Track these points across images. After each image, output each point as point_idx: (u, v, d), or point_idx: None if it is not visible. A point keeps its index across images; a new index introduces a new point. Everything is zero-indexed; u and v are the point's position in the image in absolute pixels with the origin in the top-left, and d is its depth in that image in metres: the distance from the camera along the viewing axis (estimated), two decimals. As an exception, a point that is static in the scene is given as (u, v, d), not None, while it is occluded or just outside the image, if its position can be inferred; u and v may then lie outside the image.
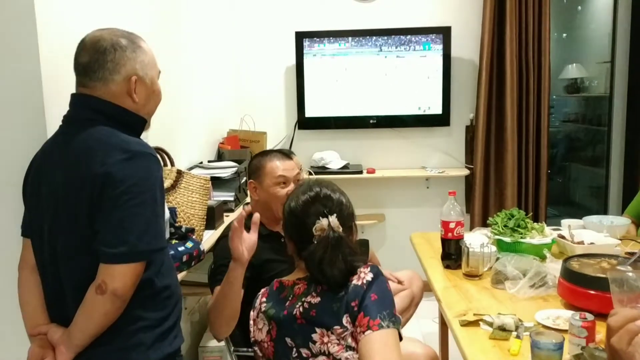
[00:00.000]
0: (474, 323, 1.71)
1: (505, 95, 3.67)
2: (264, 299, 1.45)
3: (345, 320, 1.30)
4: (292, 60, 3.83)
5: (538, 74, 3.70)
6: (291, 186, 2.04)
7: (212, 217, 2.23)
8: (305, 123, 3.90)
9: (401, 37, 3.77)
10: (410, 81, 3.82)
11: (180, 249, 1.72)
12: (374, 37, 3.78)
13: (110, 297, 1.15)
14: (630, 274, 1.45)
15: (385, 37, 3.78)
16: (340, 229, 1.36)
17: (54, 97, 1.53)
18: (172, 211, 1.73)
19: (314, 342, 1.33)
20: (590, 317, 1.47)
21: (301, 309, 1.34)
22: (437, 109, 3.83)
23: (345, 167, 3.87)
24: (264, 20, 3.89)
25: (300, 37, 3.79)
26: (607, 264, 1.87)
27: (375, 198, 4.05)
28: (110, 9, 2.00)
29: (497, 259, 2.14)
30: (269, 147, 3.67)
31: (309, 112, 3.88)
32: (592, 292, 1.68)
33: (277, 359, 1.40)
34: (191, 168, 2.78)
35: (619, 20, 3.87)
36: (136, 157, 1.20)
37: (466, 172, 3.85)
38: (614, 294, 1.47)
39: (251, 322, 1.46)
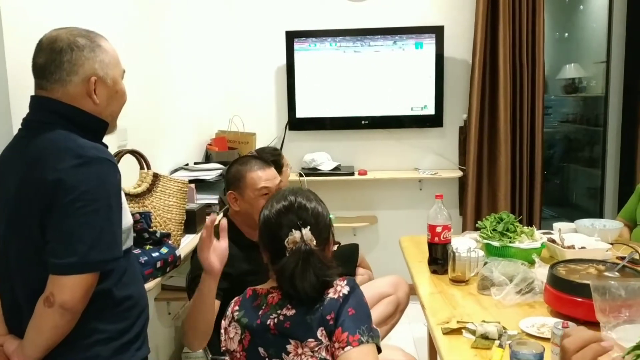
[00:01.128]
0: (457, 331, 1.66)
1: (499, 95, 3.62)
2: (237, 307, 1.40)
3: (319, 333, 1.27)
4: (283, 60, 3.78)
5: (532, 74, 3.64)
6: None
7: (193, 220, 2.18)
8: (296, 124, 3.85)
9: (393, 36, 3.72)
10: (402, 81, 3.76)
11: (155, 254, 1.67)
12: (366, 37, 3.73)
13: (58, 310, 1.10)
14: (612, 282, 1.40)
15: (377, 37, 3.73)
16: (314, 242, 1.32)
17: (21, 99, 1.48)
18: (147, 216, 1.68)
19: (288, 353, 1.29)
20: (572, 326, 1.42)
21: (276, 320, 1.31)
22: (430, 110, 3.78)
23: (336, 168, 3.82)
24: (254, 20, 3.84)
25: (291, 36, 3.73)
26: (595, 270, 1.81)
27: (367, 200, 3.99)
28: (81, 4, 1.95)
29: (485, 263, 2.09)
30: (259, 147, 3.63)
31: (300, 113, 3.82)
32: (578, 299, 1.62)
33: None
34: (176, 170, 2.74)
35: (614, 20, 3.81)
36: (90, 162, 1.15)
37: (459, 173, 3.80)
38: (596, 303, 1.42)
39: (222, 330, 1.41)
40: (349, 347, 1.23)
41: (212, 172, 2.70)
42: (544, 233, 2.51)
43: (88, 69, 1.23)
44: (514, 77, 3.64)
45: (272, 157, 2.82)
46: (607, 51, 3.92)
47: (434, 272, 2.21)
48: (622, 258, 2.28)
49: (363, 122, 3.81)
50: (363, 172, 3.81)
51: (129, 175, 1.93)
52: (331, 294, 1.31)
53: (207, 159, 3.25)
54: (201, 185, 2.60)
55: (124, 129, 2.16)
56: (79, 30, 1.26)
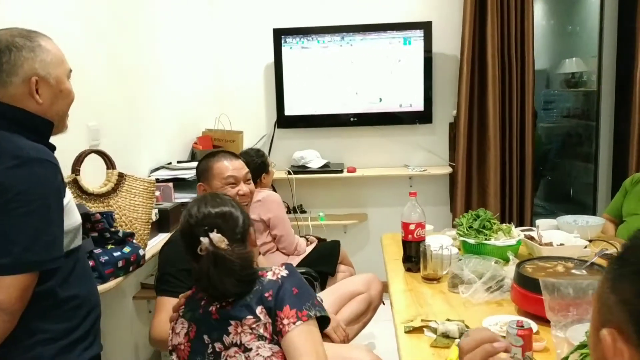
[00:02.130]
0: (419, 329, 1.64)
1: (487, 92, 3.58)
2: (183, 307, 1.43)
3: (259, 310, 1.31)
4: (271, 58, 3.77)
5: (521, 70, 3.60)
6: (241, 185, 2.00)
7: (167, 220, 2.19)
8: (284, 122, 3.84)
9: (381, 32, 3.70)
10: (391, 78, 3.74)
11: (116, 254, 1.67)
12: (354, 34, 3.71)
13: None
14: (562, 280, 1.38)
15: (365, 33, 3.71)
16: (224, 243, 1.31)
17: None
18: (108, 216, 1.68)
19: (228, 334, 1.33)
20: (528, 324, 1.40)
21: (218, 305, 1.35)
22: (419, 106, 3.75)
23: (325, 166, 3.81)
24: (241, 18, 3.83)
25: (279, 34, 3.72)
26: (563, 268, 1.79)
27: (357, 197, 3.98)
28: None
29: (459, 261, 2.08)
30: (246, 146, 3.63)
31: (289, 111, 3.82)
32: (542, 297, 1.60)
33: (191, 358, 1.37)
34: (157, 169, 2.74)
35: (606, 14, 3.77)
36: (28, 163, 1.15)
37: (449, 170, 3.77)
38: (545, 301, 1.41)
39: (169, 330, 1.41)
40: (299, 322, 1.29)
41: (192, 170, 2.69)
42: (525, 230, 2.48)
43: (28, 69, 1.23)
44: (502, 73, 3.60)
45: (259, 159, 2.83)
46: (599, 46, 3.87)
47: (408, 270, 2.20)
48: (604, 255, 2.25)
49: (352, 119, 3.80)
50: (352, 170, 3.79)
51: (97, 175, 1.94)
52: (269, 276, 1.35)
53: (193, 157, 3.25)
54: (181, 184, 2.61)
55: (96, 129, 2.17)
56: (19, 30, 1.26)
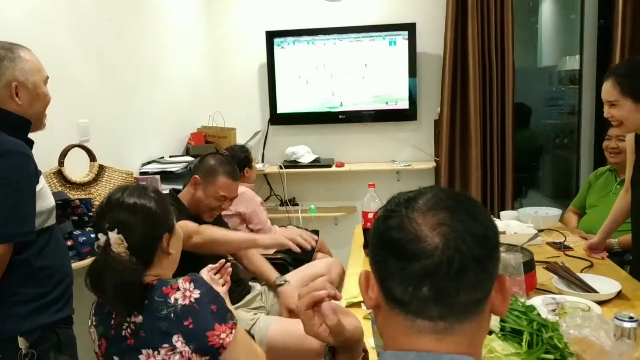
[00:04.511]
0: (358, 304, 1.85)
1: (469, 90, 3.74)
2: (93, 312, 1.46)
3: (175, 339, 1.30)
4: (264, 59, 3.99)
5: (501, 69, 3.75)
6: (227, 204, 2.26)
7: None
8: (277, 119, 4.06)
9: (368, 33, 3.89)
10: (377, 77, 3.92)
11: (93, 235, 1.91)
12: (342, 35, 3.91)
13: None
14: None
15: (353, 35, 3.90)
16: (122, 245, 1.32)
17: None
18: (87, 202, 1.93)
19: None
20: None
21: (129, 330, 1.34)
22: (404, 104, 3.93)
23: (316, 161, 4.01)
24: (235, 21, 4.06)
25: (271, 36, 3.94)
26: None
27: (347, 191, 4.17)
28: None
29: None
30: (240, 142, 3.85)
31: (281, 108, 4.03)
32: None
33: None
34: (148, 163, 2.98)
35: (586, 12, 3.88)
36: (6, 155, 1.39)
37: (433, 164, 3.94)
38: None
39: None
40: (232, 334, 1.32)
41: (180, 164, 2.93)
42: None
43: (9, 75, 1.48)
44: (483, 72, 3.76)
45: (242, 154, 3.05)
46: (580, 43, 3.99)
47: (367, 255, 2.38)
48: (553, 243, 2.42)
49: (340, 116, 3.99)
50: (340, 165, 3.99)
51: (85, 167, 2.18)
52: (180, 299, 1.31)
53: (187, 152, 3.49)
54: (169, 176, 2.84)
55: (86, 126, 2.42)
56: (2, 43, 1.51)
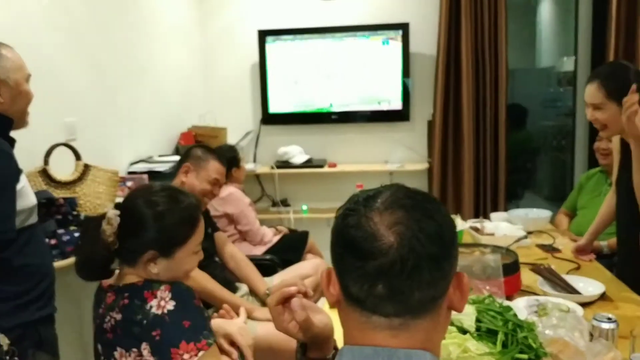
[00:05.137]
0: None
1: (462, 91, 3.74)
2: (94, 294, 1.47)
3: (143, 346, 1.27)
4: (256, 58, 3.98)
5: (495, 70, 3.75)
6: (217, 188, 2.31)
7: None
8: (269, 119, 4.06)
9: (361, 33, 3.88)
10: (370, 77, 3.92)
11: (77, 234, 1.90)
12: (335, 34, 3.90)
13: None
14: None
15: (346, 34, 3.89)
16: (111, 227, 1.31)
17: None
18: (71, 201, 1.93)
19: (115, 359, 1.33)
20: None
21: (110, 324, 1.34)
22: (397, 105, 3.93)
23: (308, 161, 4.01)
24: (228, 20, 4.06)
25: (263, 34, 3.94)
26: (480, 253, 1.96)
27: (339, 192, 4.10)
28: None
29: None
30: (231, 141, 3.85)
31: (273, 108, 4.03)
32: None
33: (94, 356, 1.44)
34: (136, 162, 2.98)
35: (580, 14, 3.88)
36: None
37: (426, 165, 3.93)
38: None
39: None
40: (201, 352, 1.26)
41: (169, 164, 2.93)
42: (476, 221, 2.65)
43: None
44: (476, 73, 3.75)
45: (230, 154, 3.05)
46: (574, 44, 3.99)
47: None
48: (542, 245, 2.42)
49: (332, 116, 3.99)
50: (333, 165, 3.98)
51: (71, 166, 2.18)
52: (155, 308, 1.28)
53: (177, 152, 3.49)
54: (157, 175, 2.83)
55: (72, 125, 2.42)
56: None
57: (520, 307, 1.60)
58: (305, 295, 0.96)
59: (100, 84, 2.70)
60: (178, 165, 2.33)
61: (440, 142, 3.81)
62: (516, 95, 6.10)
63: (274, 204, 4.11)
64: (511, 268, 1.83)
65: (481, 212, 3.81)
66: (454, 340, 1.16)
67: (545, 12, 6.06)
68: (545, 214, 2.73)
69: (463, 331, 1.20)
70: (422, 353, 0.73)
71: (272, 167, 3.95)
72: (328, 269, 0.81)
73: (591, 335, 1.39)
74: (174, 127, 3.59)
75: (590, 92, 1.92)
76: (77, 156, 2.09)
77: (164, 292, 1.29)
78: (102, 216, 1.33)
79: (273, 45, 3.95)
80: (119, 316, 1.31)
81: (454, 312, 1.23)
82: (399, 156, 4.07)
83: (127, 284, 1.35)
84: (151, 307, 1.28)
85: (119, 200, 2.37)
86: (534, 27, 5.93)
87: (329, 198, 4.16)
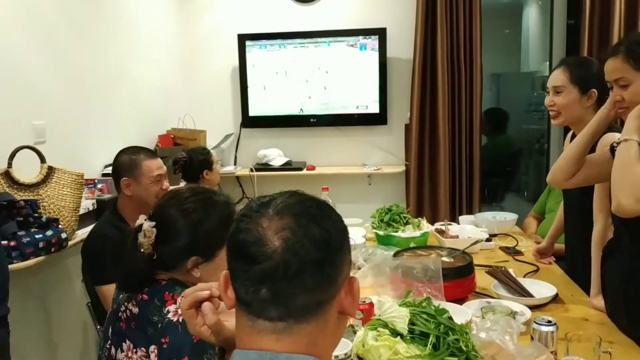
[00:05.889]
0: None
1: (437, 96, 3.77)
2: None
3: (151, 349, 1.28)
4: (236, 62, 4.01)
5: (470, 75, 3.78)
6: (165, 182, 2.25)
7: (102, 210, 2.44)
8: (249, 122, 4.08)
9: (339, 38, 3.91)
10: (348, 81, 3.95)
11: (38, 236, 1.92)
12: (314, 39, 3.93)
13: None
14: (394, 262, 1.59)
15: (324, 39, 3.93)
16: (148, 239, 1.31)
17: None
18: (33, 203, 1.94)
19: (122, 350, 1.34)
20: (369, 300, 1.61)
21: (125, 315, 1.35)
22: (375, 108, 3.96)
23: (287, 164, 4.03)
24: (207, 24, 4.08)
25: (243, 39, 3.96)
26: (436, 255, 1.99)
27: (318, 194, 4.17)
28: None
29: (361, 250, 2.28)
30: (211, 144, 3.88)
31: (253, 111, 4.05)
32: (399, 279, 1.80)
33: (102, 338, 1.46)
34: (110, 165, 2.98)
35: (555, 20, 3.94)
36: None
37: (402, 168, 3.97)
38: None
39: None
40: None
41: (142, 166, 2.94)
42: (443, 224, 2.68)
43: None
44: (452, 77, 3.79)
45: (202, 156, 3.06)
46: (549, 47, 4.04)
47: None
48: (504, 248, 2.45)
49: (311, 119, 4.02)
50: (311, 168, 4.01)
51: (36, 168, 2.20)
52: (171, 314, 1.28)
53: (156, 154, 3.50)
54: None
55: (42, 128, 2.43)
56: None
57: (468, 309, 1.64)
58: (220, 299, 0.97)
59: (73, 86, 2.72)
60: (116, 184, 2.23)
61: (416, 145, 3.85)
62: (502, 99, 6.16)
63: (253, 206, 4.12)
64: (465, 270, 1.87)
65: (457, 214, 3.84)
66: (385, 342, 1.19)
67: (532, 17, 6.11)
68: (512, 217, 2.77)
69: (397, 334, 1.23)
70: (305, 358, 0.74)
71: (252, 170, 3.98)
72: (226, 273, 0.82)
73: (532, 337, 1.42)
74: (152, 130, 3.61)
75: (555, 75, 1.96)
76: (42, 159, 2.11)
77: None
78: (138, 229, 1.33)
79: (253, 49, 3.98)
80: (135, 309, 1.32)
81: (387, 314, 1.27)
82: (376, 159, 4.11)
83: (152, 279, 1.35)
84: (168, 311, 1.28)
85: (89, 202, 2.42)
86: (520, 32, 5.99)
87: (308, 200, 4.18)
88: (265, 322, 0.75)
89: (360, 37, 3.89)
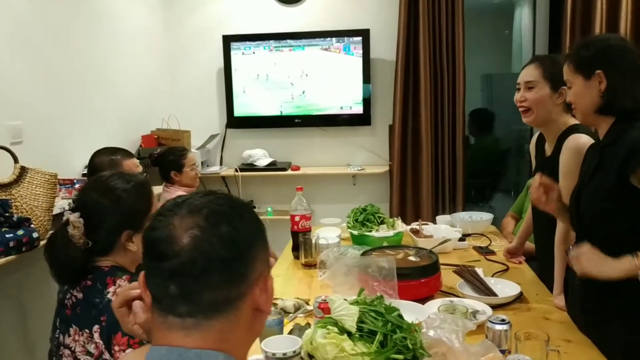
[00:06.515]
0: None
1: (420, 96, 3.79)
2: None
3: (95, 328, 1.34)
4: (221, 62, 4.03)
5: (452, 76, 3.80)
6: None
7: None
8: (234, 122, 4.10)
9: (323, 39, 3.93)
10: (332, 82, 3.97)
11: (8, 235, 1.94)
12: (298, 40, 3.95)
13: None
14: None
15: (309, 40, 3.95)
16: (77, 229, 1.35)
17: None
18: (4, 203, 1.96)
19: (69, 335, 1.39)
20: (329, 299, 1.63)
21: (71, 301, 1.40)
22: (359, 109, 3.98)
23: (272, 164, 4.05)
24: (192, 25, 4.10)
25: (228, 40, 3.98)
26: (403, 254, 2.01)
27: (304, 194, 4.19)
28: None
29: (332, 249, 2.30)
30: (195, 144, 3.90)
31: (238, 112, 4.07)
32: (367, 277, 1.82)
33: (52, 330, 1.50)
34: (89, 165, 3.01)
35: (537, 23, 3.97)
36: None
37: (386, 168, 3.99)
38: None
39: None
40: (129, 349, 1.28)
41: (123, 166, 2.96)
42: (422, 224, 2.69)
43: None
44: (434, 79, 3.81)
45: (172, 157, 3.08)
46: (532, 49, 4.06)
47: (296, 257, 2.43)
48: (477, 247, 2.47)
49: (296, 120, 4.04)
50: (296, 168, 4.03)
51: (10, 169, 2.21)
52: (111, 294, 1.34)
53: (139, 155, 3.52)
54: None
55: (18, 129, 2.45)
56: None
57: (429, 309, 1.66)
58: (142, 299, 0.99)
59: (51, 86, 2.74)
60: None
61: (399, 145, 3.86)
62: (495, 100, 6.18)
63: (238, 206, 4.14)
64: (430, 269, 1.88)
65: (440, 213, 3.86)
66: (332, 340, 1.21)
67: (524, 18, 6.14)
68: (487, 217, 2.79)
69: (345, 332, 1.25)
70: (215, 354, 0.76)
71: (236, 170, 3.99)
72: (144, 272, 0.84)
73: (486, 336, 1.44)
74: (135, 131, 3.63)
75: (527, 71, 1.94)
76: (15, 159, 2.13)
77: (123, 282, 1.36)
78: (66, 223, 1.38)
79: (238, 50, 4.00)
80: (80, 295, 1.38)
81: (337, 312, 1.28)
82: (361, 160, 4.13)
83: (95, 266, 1.41)
84: (108, 292, 1.35)
85: (66, 202, 2.43)
86: (511, 33, 6.01)
87: (291, 200, 4.20)
88: (175, 318, 0.77)
89: (344, 38, 3.91)
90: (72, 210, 1.42)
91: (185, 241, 0.76)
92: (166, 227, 0.78)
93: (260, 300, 0.82)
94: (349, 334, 1.25)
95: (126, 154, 2.31)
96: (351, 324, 1.24)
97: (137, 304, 0.96)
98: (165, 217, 0.79)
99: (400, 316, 1.31)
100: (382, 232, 2.42)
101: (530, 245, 2.37)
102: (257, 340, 1.47)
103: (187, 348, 0.76)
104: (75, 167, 2.92)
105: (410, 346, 1.22)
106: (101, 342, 1.32)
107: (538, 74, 1.92)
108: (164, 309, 0.78)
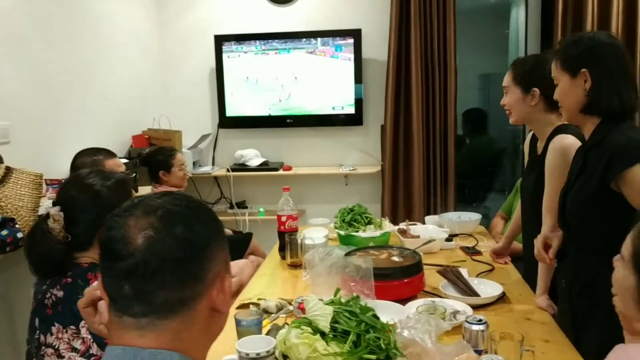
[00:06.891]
0: (246, 305, 1.88)
1: (412, 96, 3.79)
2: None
3: (82, 324, 1.35)
4: (213, 63, 4.03)
5: (444, 76, 3.80)
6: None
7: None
8: (226, 122, 4.11)
9: (315, 39, 3.93)
10: (324, 82, 3.97)
11: (-7, 235, 1.95)
12: (290, 40, 3.96)
13: None
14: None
15: (300, 40, 3.95)
16: (58, 222, 1.38)
17: None
18: (-12, 203, 1.97)
19: (51, 334, 1.40)
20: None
21: (51, 300, 1.41)
22: (350, 109, 3.98)
23: (264, 164, 4.05)
24: (184, 25, 4.11)
25: (220, 40, 3.98)
26: (387, 255, 2.01)
27: (297, 194, 4.17)
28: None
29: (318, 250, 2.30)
30: (187, 144, 3.90)
31: (230, 112, 4.07)
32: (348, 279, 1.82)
33: (29, 332, 1.51)
34: (80, 165, 3.01)
35: (529, 23, 3.96)
36: None
37: (378, 169, 3.99)
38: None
39: None
40: None
41: (112, 166, 2.96)
42: (411, 224, 2.69)
43: None
44: (426, 79, 3.81)
45: (161, 157, 3.09)
46: (525, 50, 4.05)
47: (283, 257, 2.43)
48: (465, 247, 2.47)
49: (288, 120, 4.04)
50: (288, 168, 4.03)
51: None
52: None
53: (129, 155, 3.53)
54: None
55: (5, 129, 2.45)
56: None
57: (409, 309, 1.66)
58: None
59: (40, 86, 2.74)
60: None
61: (391, 145, 3.87)
62: (492, 99, 6.18)
63: (231, 206, 4.16)
64: (413, 269, 1.89)
65: (432, 213, 3.86)
66: (304, 340, 1.21)
67: (521, 18, 6.13)
68: (475, 217, 2.79)
69: (319, 332, 1.25)
70: (169, 353, 0.76)
71: (228, 170, 4.00)
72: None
73: (463, 336, 1.44)
74: (127, 131, 3.63)
75: (506, 75, 2.02)
76: (0, 159, 2.13)
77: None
78: (46, 216, 1.41)
79: (230, 50, 4.00)
80: (60, 293, 1.39)
81: (311, 312, 1.28)
82: (353, 160, 4.13)
83: (74, 263, 1.43)
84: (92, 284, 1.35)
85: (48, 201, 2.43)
86: (508, 33, 6.02)
87: (285, 200, 4.21)
88: (130, 318, 0.78)
89: (336, 38, 3.91)
90: (53, 204, 1.46)
91: (139, 242, 0.77)
92: (121, 228, 0.78)
93: (217, 300, 0.82)
94: (323, 334, 1.25)
95: (108, 153, 2.32)
96: (325, 324, 1.24)
97: (102, 303, 0.96)
98: (121, 218, 0.80)
99: (375, 316, 1.31)
100: (368, 233, 2.42)
101: (517, 245, 2.38)
102: (233, 340, 1.48)
103: (142, 348, 0.76)
104: (64, 167, 2.90)
105: (383, 346, 1.22)
106: (89, 336, 1.34)
107: (509, 79, 1.99)
108: (119, 309, 0.78)
